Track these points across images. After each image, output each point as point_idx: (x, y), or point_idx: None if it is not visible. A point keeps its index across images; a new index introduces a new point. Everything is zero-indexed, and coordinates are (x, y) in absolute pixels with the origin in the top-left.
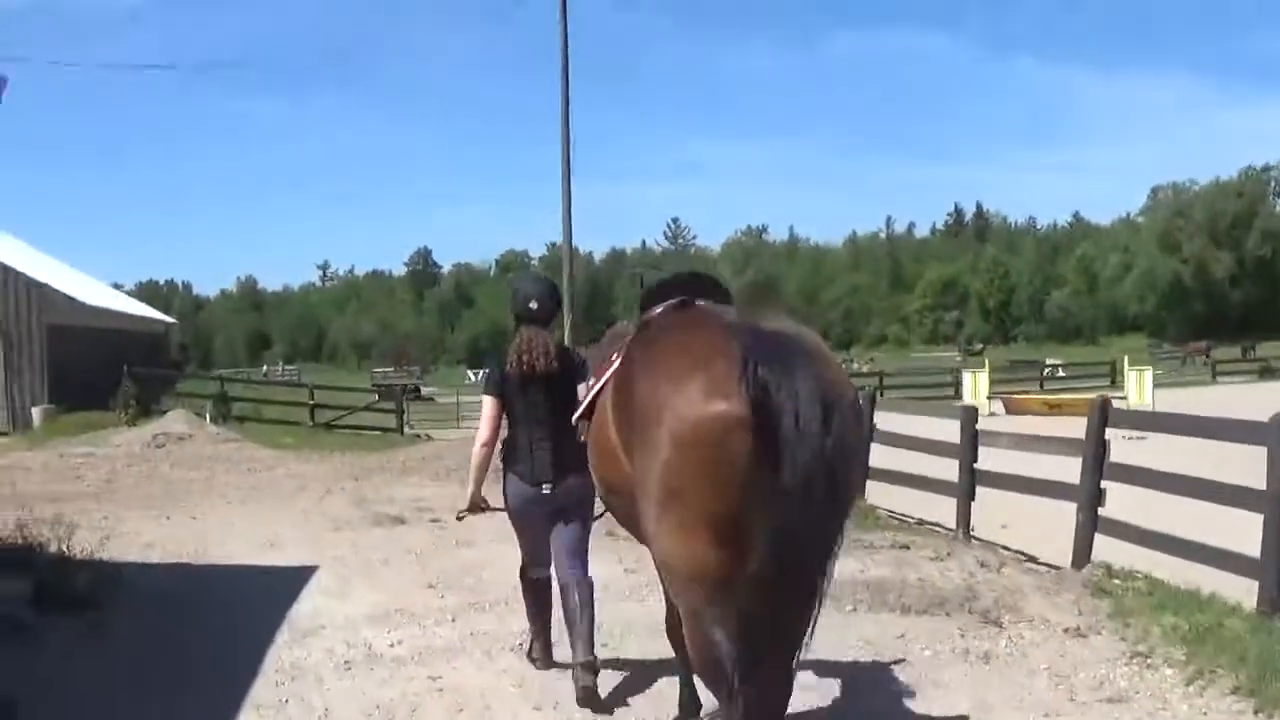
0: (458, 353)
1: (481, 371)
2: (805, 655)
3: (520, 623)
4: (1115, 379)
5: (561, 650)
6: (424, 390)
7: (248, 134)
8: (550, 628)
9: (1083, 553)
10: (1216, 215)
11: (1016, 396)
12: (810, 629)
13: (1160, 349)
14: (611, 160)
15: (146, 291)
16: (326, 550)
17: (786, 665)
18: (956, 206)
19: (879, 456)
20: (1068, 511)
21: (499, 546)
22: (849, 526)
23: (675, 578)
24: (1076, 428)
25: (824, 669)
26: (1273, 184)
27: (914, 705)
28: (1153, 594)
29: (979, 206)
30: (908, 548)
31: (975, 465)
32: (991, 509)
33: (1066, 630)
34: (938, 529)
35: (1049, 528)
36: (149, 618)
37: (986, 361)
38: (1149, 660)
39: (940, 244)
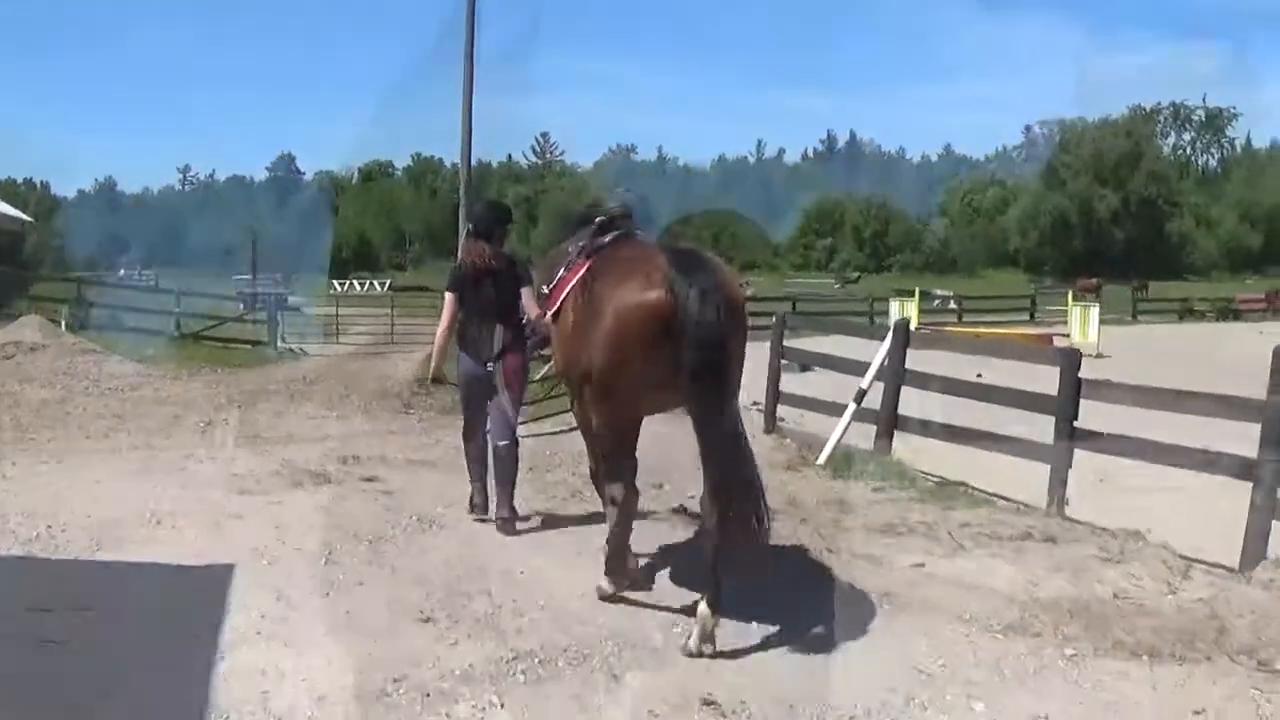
0: (320, 261)
1: (348, 282)
2: None
3: (624, 705)
4: (1034, 314)
5: None
6: (291, 300)
7: (115, 31)
8: (488, 484)
9: (1257, 549)
10: (1103, 153)
11: (948, 330)
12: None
13: (1044, 285)
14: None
15: (3, 189)
16: (237, 532)
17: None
18: (829, 133)
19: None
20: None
21: (473, 526)
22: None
23: (607, 414)
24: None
25: None
26: (1160, 125)
27: None
28: None
29: (852, 134)
30: (1054, 540)
31: (1076, 423)
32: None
33: None
34: (977, 493)
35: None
36: None
37: (917, 290)
38: None
39: (811, 170)
